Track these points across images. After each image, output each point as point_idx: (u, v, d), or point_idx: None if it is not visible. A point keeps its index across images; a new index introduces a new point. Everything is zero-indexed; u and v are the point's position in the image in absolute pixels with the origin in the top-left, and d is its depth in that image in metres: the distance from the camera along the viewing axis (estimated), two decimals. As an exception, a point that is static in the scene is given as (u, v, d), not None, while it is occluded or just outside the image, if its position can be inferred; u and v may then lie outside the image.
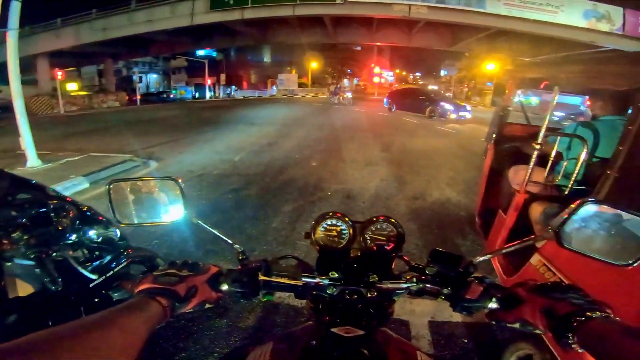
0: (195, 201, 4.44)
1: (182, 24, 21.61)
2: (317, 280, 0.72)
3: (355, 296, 0.72)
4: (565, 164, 2.18)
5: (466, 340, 2.14)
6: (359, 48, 49.67)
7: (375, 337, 0.64)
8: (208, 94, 32.86)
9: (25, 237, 1.28)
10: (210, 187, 5.06)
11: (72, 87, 23.34)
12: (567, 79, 1.99)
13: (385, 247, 0.87)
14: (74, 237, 1.53)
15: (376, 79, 41.47)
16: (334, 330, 0.64)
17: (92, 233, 1.65)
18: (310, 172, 6.05)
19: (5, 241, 1.25)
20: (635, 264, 0.62)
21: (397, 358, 0.60)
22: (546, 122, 2.05)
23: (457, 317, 2.29)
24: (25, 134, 5.87)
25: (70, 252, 1.45)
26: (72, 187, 4.75)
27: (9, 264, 1.27)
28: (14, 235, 1.27)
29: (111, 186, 0.74)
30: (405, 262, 0.82)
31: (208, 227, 0.76)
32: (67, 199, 1.73)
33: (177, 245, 3.20)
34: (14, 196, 1.45)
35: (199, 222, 0.75)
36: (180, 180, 0.74)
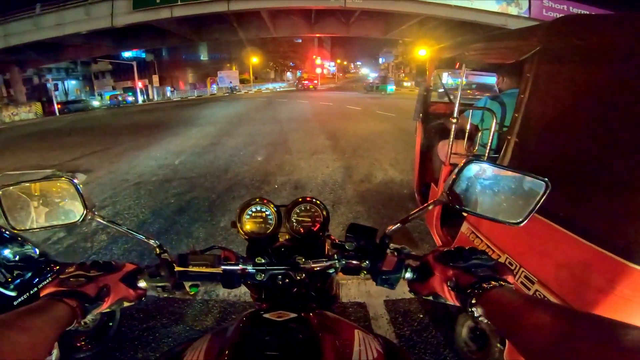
0: (133, 210, 4.13)
1: (100, 26, 19.78)
2: (240, 267, 0.72)
3: (287, 280, 0.72)
4: (480, 134, 2.41)
5: (422, 315, 2.22)
6: (299, 40, 49.46)
7: (308, 319, 0.64)
8: (140, 98, 30.24)
9: None
10: (150, 194, 4.74)
11: (-26, 101, 20.11)
12: (471, 58, 2.19)
13: (312, 228, 0.88)
14: None
15: (318, 70, 41.80)
16: (266, 315, 0.63)
17: (6, 252, 1.68)
18: (256, 167, 5.96)
19: None
20: (524, 222, 0.63)
21: (330, 337, 0.59)
22: (458, 98, 2.25)
23: (411, 294, 2.40)
24: None
25: None
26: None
27: None
28: None
29: (1, 192, 0.69)
30: (331, 240, 0.83)
31: (115, 225, 0.72)
32: None
33: (118, 259, 2.96)
34: None
35: (103, 220, 0.71)
36: (76, 180, 0.70)
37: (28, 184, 0.72)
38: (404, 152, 6.63)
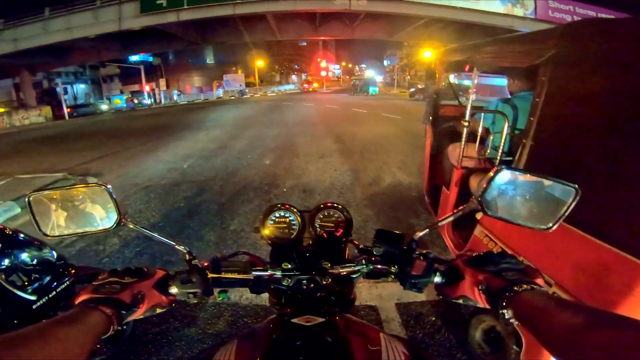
0: (144, 214, 4.17)
1: (107, 30, 20.00)
2: (269, 272, 0.73)
3: (312, 285, 0.72)
4: (492, 138, 2.40)
5: (434, 318, 2.20)
6: (304, 43, 49.68)
7: (336, 324, 0.65)
8: (148, 101, 30.63)
9: None
10: (159, 198, 4.78)
11: (-16, 105, 20.50)
12: (483, 61, 2.18)
13: (335, 233, 0.89)
14: (6, 261, 1.55)
15: (323, 73, 41.91)
16: (294, 320, 0.64)
17: (24, 256, 1.66)
18: (265, 170, 5.98)
19: None
20: (554, 227, 0.64)
21: (360, 342, 0.60)
22: (471, 101, 2.24)
23: (422, 297, 2.38)
24: None
25: (3, 276, 1.45)
26: (3, 214, 4.24)
27: None
28: None
29: (31, 198, 0.69)
30: (355, 245, 0.83)
31: (146, 231, 0.73)
32: None
33: (130, 263, 2.99)
34: None
35: (136, 226, 0.72)
36: (109, 186, 0.70)
37: (59, 190, 0.72)
38: (411, 155, 6.61)
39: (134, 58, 33.35)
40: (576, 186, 0.61)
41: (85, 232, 0.73)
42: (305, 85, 38.00)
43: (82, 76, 38.01)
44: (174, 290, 0.69)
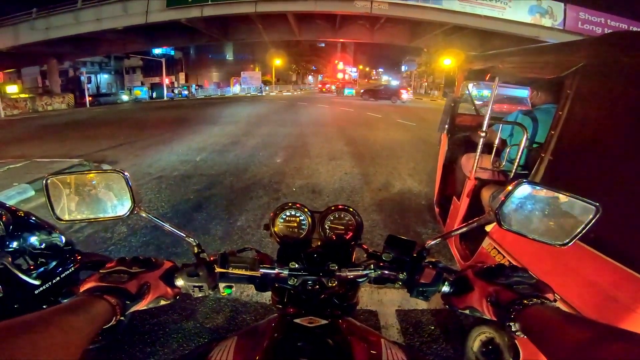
0: (153, 204, 4.23)
1: (135, 23, 20.50)
2: (276, 271, 0.72)
3: (317, 286, 0.71)
4: (508, 150, 2.32)
5: (433, 327, 2.19)
6: (322, 45, 49.85)
7: (338, 326, 0.64)
8: (167, 94, 31.31)
9: None
10: (170, 188, 4.84)
11: (12, 89, 21.30)
12: (505, 70, 2.12)
13: (345, 236, 0.88)
14: (14, 244, 1.53)
15: (340, 75, 41.94)
16: (297, 321, 0.63)
17: (33, 239, 1.64)
18: (275, 169, 5.99)
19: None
20: (570, 244, 0.64)
21: (361, 346, 0.60)
22: (489, 111, 2.17)
23: (423, 305, 2.36)
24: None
25: (9, 259, 1.43)
26: (17, 196, 4.36)
27: None
28: None
29: (48, 181, 0.68)
30: (364, 250, 0.82)
31: (158, 221, 0.72)
32: (4, 205, 1.69)
33: (136, 252, 3.03)
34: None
35: (149, 215, 0.71)
36: (127, 173, 0.69)
37: (75, 175, 0.71)
38: (422, 162, 6.52)
39: (157, 51, 34.12)
40: (597, 205, 0.60)
41: (98, 218, 0.72)
42: (319, 86, 37.94)
43: (107, 66, 39.10)
44: (179, 282, 0.68)
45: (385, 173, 5.80)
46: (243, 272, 0.70)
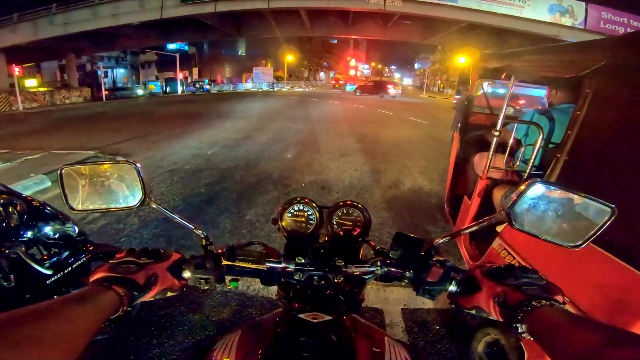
0: (165, 196, 4.30)
1: (150, 18, 20.87)
2: (282, 265, 0.72)
3: (323, 282, 0.71)
4: (523, 150, 2.27)
5: (438, 327, 2.18)
6: (335, 41, 49.56)
7: (343, 323, 0.64)
8: (180, 89, 31.68)
9: None
10: (182, 181, 4.92)
11: (31, 83, 22.04)
12: (522, 69, 2.07)
13: (352, 232, 0.87)
14: (29, 233, 1.54)
15: (352, 72, 41.67)
16: (301, 316, 0.63)
17: (47, 229, 1.65)
18: (285, 164, 6.01)
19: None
20: (583, 245, 0.62)
21: (364, 343, 0.60)
22: (504, 110, 2.13)
23: (429, 304, 2.34)
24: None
25: (23, 249, 1.43)
26: (34, 186, 4.49)
27: None
28: None
29: (63, 171, 0.70)
30: (372, 246, 0.82)
31: (168, 212, 0.73)
32: (20, 195, 1.69)
33: (147, 244, 3.09)
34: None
35: (159, 206, 0.72)
36: (138, 164, 0.71)
37: (89, 165, 0.73)
38: (434, 160, 6.45)
39: (172, 46, 34.57)
40: (613, 206, 0.59)
41: (110, 208, 0.74)
42: (333, 82, 37.95)
43: (123, 61, 39.89)
44: (187, 274, 0.68)
45: (395, 170, 5.77)
46: (249, 265, 0.70)
